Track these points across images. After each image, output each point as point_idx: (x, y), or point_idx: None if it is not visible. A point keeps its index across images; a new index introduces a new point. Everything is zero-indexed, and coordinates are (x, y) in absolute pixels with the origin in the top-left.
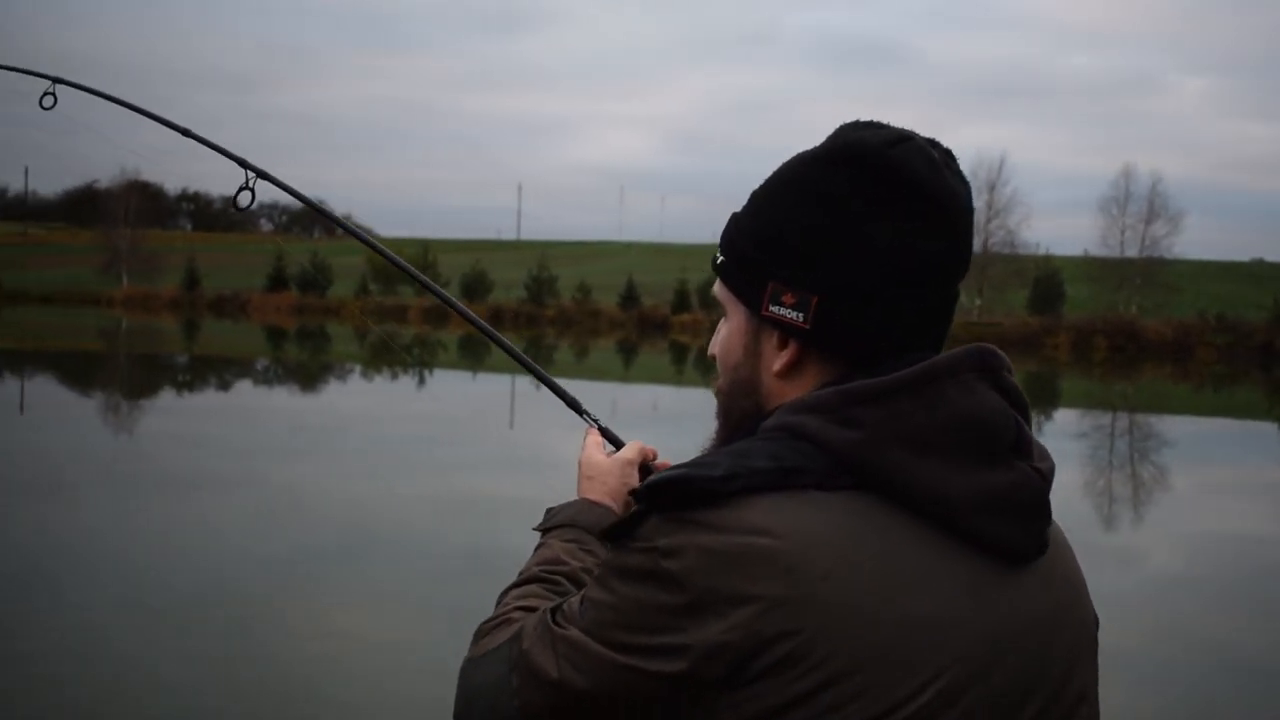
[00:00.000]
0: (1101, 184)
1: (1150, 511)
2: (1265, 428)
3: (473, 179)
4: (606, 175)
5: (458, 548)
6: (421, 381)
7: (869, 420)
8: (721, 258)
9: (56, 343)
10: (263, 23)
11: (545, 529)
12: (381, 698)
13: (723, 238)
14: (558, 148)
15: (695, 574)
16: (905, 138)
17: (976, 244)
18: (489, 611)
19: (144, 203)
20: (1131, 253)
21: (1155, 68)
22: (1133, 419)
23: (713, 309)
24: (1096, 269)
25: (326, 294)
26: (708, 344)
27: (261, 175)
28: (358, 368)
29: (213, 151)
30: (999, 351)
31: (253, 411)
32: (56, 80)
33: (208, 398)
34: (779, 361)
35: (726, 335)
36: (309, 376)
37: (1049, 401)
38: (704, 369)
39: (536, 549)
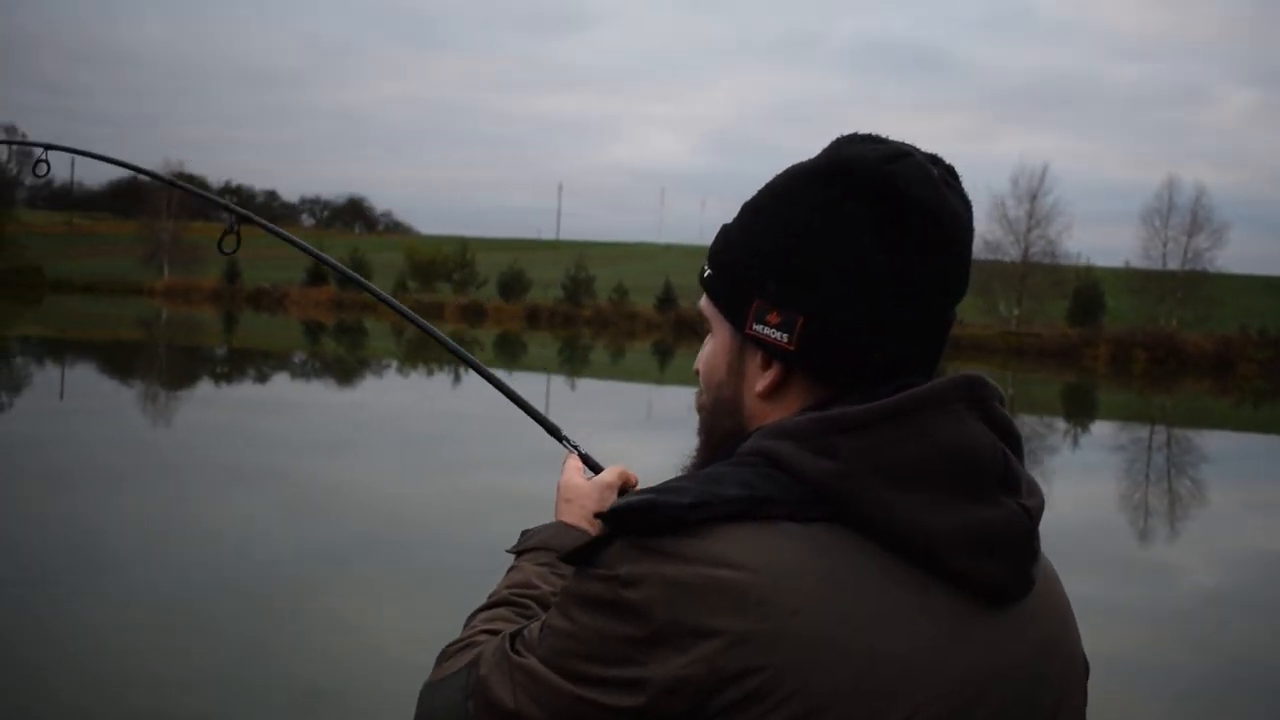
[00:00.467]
0: (1145, 195)
1: (1188, 526)
2: None
3: (513, 178)
4: (647, 176)
5: (487, 544)
6: (456, 379)
7: (846, 450)
8: (709, 271)
9: (98, 332)
10: (313, 21)
11: (519, 551)
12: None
13: (711, 250)
14: (599, 148)
15: (657, 605)
16: (903, 153)
17: (1016, 253)
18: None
19: (186, 195)
20: (1174, 265)
21: (1203, 79)
22: (1171, 433)
23: None
24: (1138, 281)
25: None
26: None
27: (245, 219)
28: (394, 363)
29: (254, 146)
30: (989, 380)
31: (288, 405)
32: (48, 147)
33: (244, 390)
34: (762, 382)
35: (711, 352)
36: (346, 371)
37: (1086, 413)
38: None
39: (508, 571)
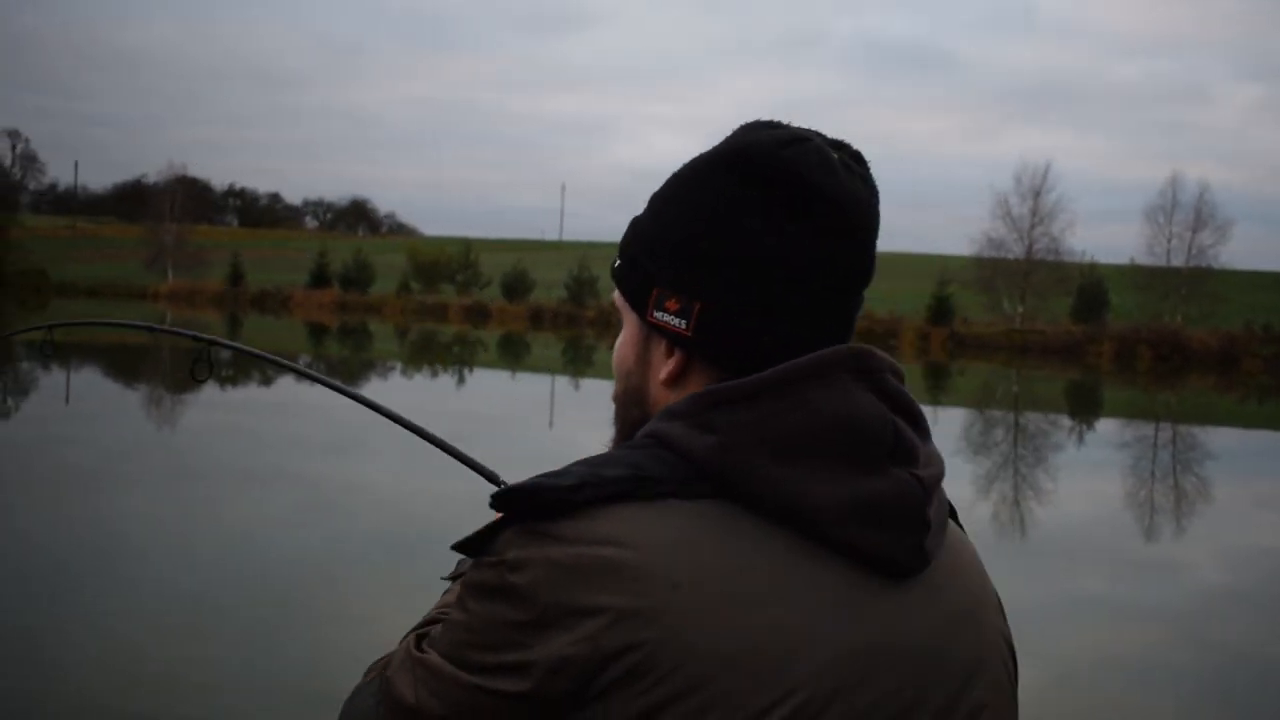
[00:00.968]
0: (1148, 192)
1: (1194, 524)
2: None
3: (516, 179)
4: (649, 176)
5: None
6: (461, 380)
7: (726, 425)
8: (618, 262)
9: (102, 335)
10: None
11: (454, 576)
12: None
13: (621, 242)
14: (601, 148)
15: (541, 588)
16: (800, 139)
17: (1019, 250)
18: None
19: (191, 198)
20: (1178, 262)
21: (1206, 76)
22: (1176, 430)
23: None
24: (1142, 277)
25: (368, 291)
26: None
27: (213, 343)
28: (398, 365)
29: (259, 148)
30: (878, 352)
31: (296, 407)
32: (52, 326)
33: (249, 392)
34: (665, 370)
35: (621, 342)
36: (350, 373)
37: (1091, 410)
38: None
39: (444, 594)
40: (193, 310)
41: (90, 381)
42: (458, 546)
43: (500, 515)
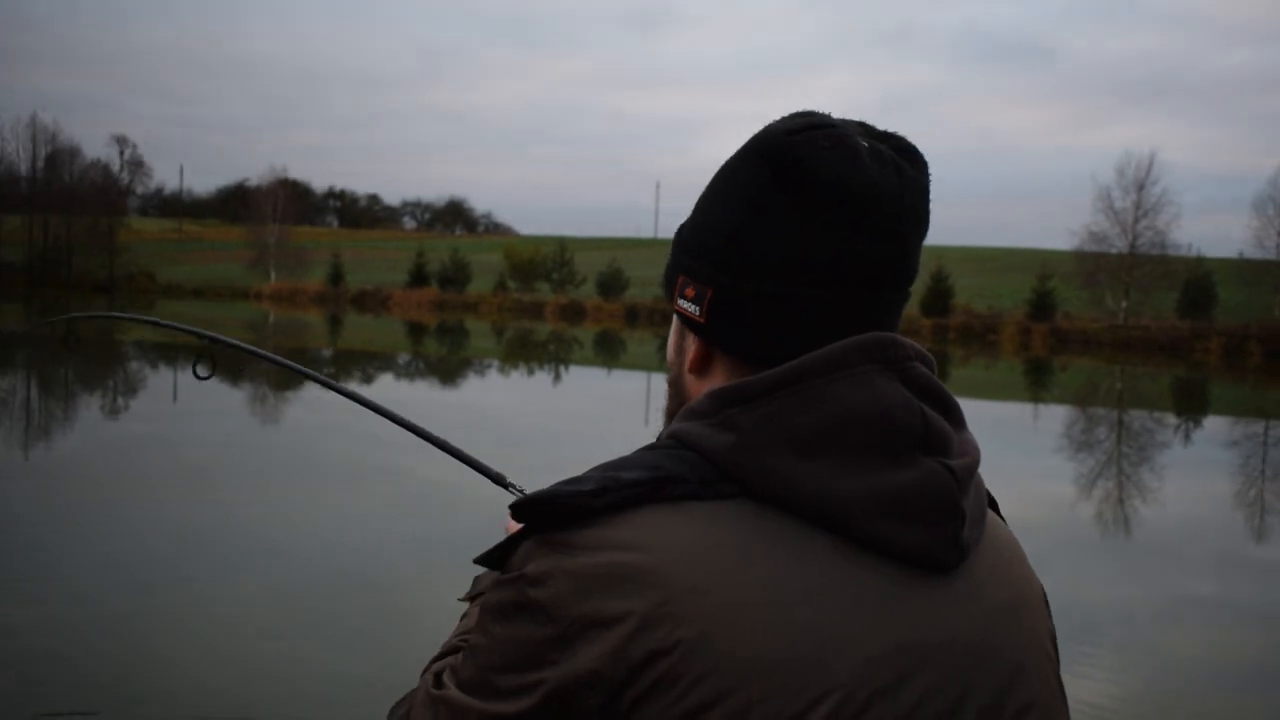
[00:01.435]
0: (1257, 183)
1: None
2: None
3: (612, 177)
4: None
5: None
6: (557, 377)
7: (745, 422)
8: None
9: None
10: (425, 25)
11: (471, 597)
12: None
13: None
14: (697, 145)
15: (563, 601)
16: (817, 125)
17: (1123, 244)
18: None
19: (292, 200)
20: None
21: None
22: None
23: None
24: (1251, 271)
25: (465, 290)
26: None
27: (215, 341)
28: (495, 363)
29: (359, 150)
30: (903, 340)
31: (394, 405)
32: (51, 321)
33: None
34: (689, 357)
35: (670, 335)
36: (448, 371)
37: (1198, 408)
38: None
39: (461, 618)
40: (294, 309)
41: (195, 380)
42: (479, 561)
43: (520, 526)
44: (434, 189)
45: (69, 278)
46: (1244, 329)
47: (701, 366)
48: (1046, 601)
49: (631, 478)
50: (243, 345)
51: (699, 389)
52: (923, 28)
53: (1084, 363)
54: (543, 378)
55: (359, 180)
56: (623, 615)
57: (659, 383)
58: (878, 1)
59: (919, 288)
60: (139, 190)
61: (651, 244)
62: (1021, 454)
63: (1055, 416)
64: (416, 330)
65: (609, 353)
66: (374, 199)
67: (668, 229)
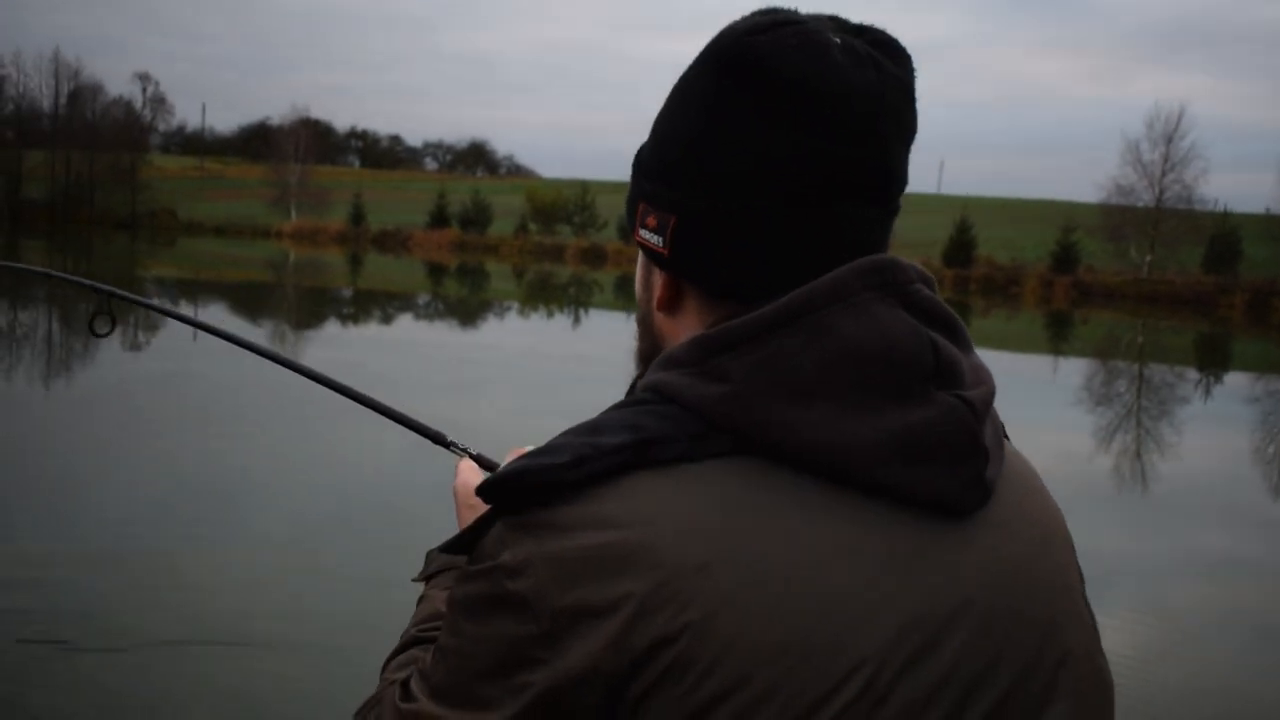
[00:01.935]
0: None
1: None
2: None
3: (634, 120)
4: None
5: None
6: (577, 321)
7: (736, 370)
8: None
9: (228, 273)
10: None
11: (426, 577)
12: None
13: None
14: None
15: (548, 592)
16: (780, 23)
17: (1149, 198)
18: None
19: (314, 140)
20: None
21: None
22: None
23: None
24: (1278, 227)
25: (486, 232)
26: None
27: (113, 295)
28: (515, 304)
29: (381, 90)
30: (902, 261)
31: (415, 344)
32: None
33: (370, 331)
34: (656, 293)
35: (637, 268)
36: (468, 312)
37: (1220, 364)
38: None
39: (418, 603)
40: (315, 248)
41: (217, 317)
42: (443, 550)
43: (489, 507)
44: (455, 131)
45: (92, 214)
46: (1269, 285)
47: (671, 303)
48: (1069, 535)
49: (613, 443)
50: (141, 300)
51: (671, 328)
52: None
53: (1106, 316)
54: (563, 320)
55: (381, 121)
56: (618, 601)
57: None
58: None
59: (941, 238)
60: (161, 128)
61: None
62: (1039, 406)
63: (1075, 369)
64: (436, 271)
65: (629, 297)
66: (396, 140)
67: None
